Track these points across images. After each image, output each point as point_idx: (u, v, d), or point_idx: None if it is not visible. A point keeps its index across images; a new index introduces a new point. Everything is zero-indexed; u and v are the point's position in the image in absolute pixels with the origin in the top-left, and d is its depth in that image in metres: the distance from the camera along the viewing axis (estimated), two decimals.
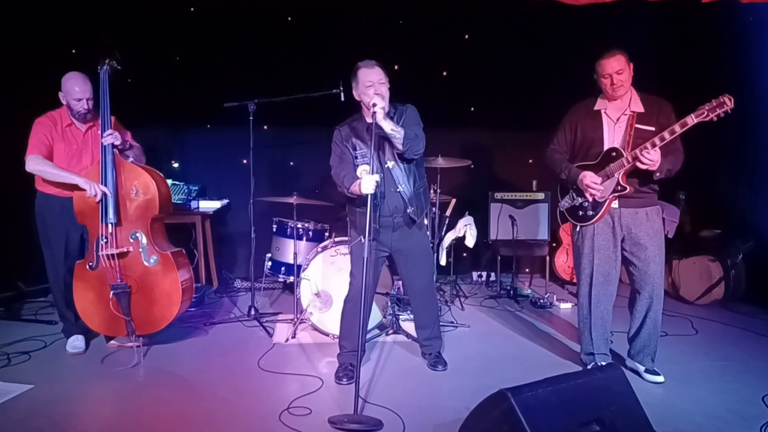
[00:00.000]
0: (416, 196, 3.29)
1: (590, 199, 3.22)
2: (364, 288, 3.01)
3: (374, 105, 3.03)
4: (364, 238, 2.98)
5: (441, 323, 3.89)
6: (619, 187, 3.13)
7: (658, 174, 3.03)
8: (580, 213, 3.31)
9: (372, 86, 3.12)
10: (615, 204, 3.20)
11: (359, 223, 3.24)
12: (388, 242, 3.32)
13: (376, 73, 3.16)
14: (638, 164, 3.00)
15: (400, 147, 3.14)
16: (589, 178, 3.18)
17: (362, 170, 3.18)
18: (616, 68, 3.07)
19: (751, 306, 4.76)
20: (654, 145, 2.95)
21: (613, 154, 3.12)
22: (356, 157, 3.23)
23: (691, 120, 2.85)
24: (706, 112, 2.81)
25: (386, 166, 3.22)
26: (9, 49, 4.71)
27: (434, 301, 3.58)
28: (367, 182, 3.02)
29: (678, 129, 2.89)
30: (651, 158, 2.95)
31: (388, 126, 3.06)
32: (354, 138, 3.26)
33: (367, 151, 3.15)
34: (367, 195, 2.99)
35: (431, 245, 4.17)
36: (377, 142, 3.14)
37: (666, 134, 2.92)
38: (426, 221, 3.60)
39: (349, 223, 3.47)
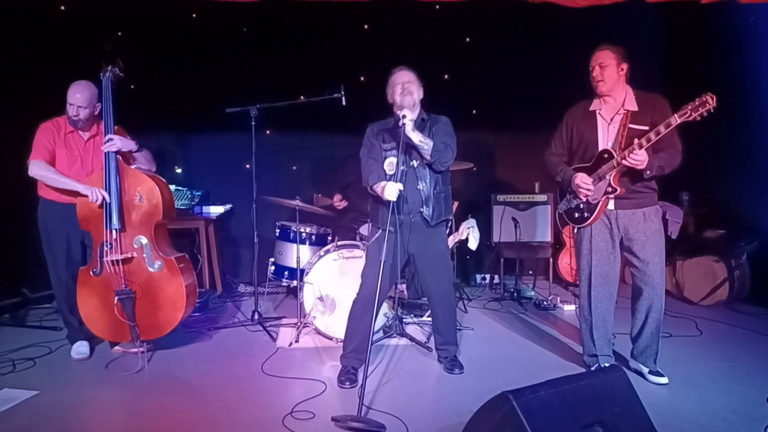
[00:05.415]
0: (435, 199, 3.31)
1: (583, 200, 3.24)
2: (378, 290, 3.05)
3: (403, 117, 3.12)
4: (385, 231, 3.09)
5: None
6: (610, 189, 3.15)
7: (648, 172, 3.04)
8: (577, 215, 3.35)
9: (399, 85, 3.30)
10: (611, 206, 3.21)
11: (381, 216, 3.28)
12: (405, 244, 3.33)
13: (403, 75, 3.35)
14: (626, 164, 3.02)
15: (428, 157, 3.22)
16: (579, 178, 3.21)
17: (389, 162, 3.24)
18: (599, 60, 3.15)
19: (756, 306, 4.74)
20: (641, 146, 2.96)
21: (605, 155, 3.14)
22: (385, 150, 3.30)
23: (675, 120, 2.87)
24: (689, 112, 2.83)
25: (411, 163, 3.28)
26: (15, 55, 4.74)
27: (451, 308, 3.58)
28: (390, 189, 3.11)
29: (663, 129, 2.91)
30: (638, 159, 2.97)
31: (416, 137, 3.18)
32: (385, 133, 3.35)
33: (396, 146, 3.23)
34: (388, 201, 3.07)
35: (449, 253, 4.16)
36: (404, 147, 3.21)
37: (652, 135, 2.94)
38: (447, 230, 3.60)
39: (371, 218, 3.51)
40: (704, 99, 2.78)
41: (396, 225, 3.20)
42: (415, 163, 3.28)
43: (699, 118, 2.81)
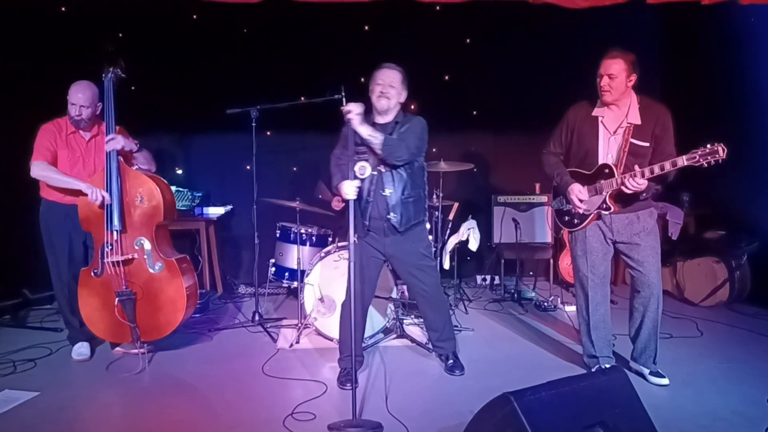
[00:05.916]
0: (402, 204, 3.24)
1: (575, 210, 3.24)
2: (352, 292, 3.08)
3: (348, 112, 3.07)
4: (355, 237, 3.08)
5: None
6: (604, 206, 3.16)
7: (644, 195, 3.08)
8: (566, 218, 3.36)
9: (380, 86, 3.22)
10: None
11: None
12: (380, 247, 3.33)
13: (385, 75, 3.24)
14: (623, 189, 3.02)
15: (378, 152, 3.16)
16: (575, 193, 3.21)
17: (360, 166, 3.20)
18: (609, 71, 3.08)
19: (756, 307, 4.74)
20: (642, 175, 2.97)
21: (606, 171, 3.14)
22: (357, 152, 3.23)
23: (682, 162, 2.87)
24: (698, 157, 2.82)
25: (379, 167, 3.23)
26: (15, 56, 4.74)
27: (442, 303, 3.55)
28: (347, 188, 3.09)
29: (668, 166, 2.91)
30: (638, 186, 2.98)
31: (364, 132, 3.12)
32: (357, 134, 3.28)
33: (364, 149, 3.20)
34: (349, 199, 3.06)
35: (434, 249, 4.16)
36: (368, 147, 3.18)
37: (656, 168, 2.94)
38: (428, 226, 3.59)
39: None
40: (715, 148, 2.77)
41: (361, 228, 3.21)
42: (382, 168, 3.22)
43: (706, 165, 2.81)
